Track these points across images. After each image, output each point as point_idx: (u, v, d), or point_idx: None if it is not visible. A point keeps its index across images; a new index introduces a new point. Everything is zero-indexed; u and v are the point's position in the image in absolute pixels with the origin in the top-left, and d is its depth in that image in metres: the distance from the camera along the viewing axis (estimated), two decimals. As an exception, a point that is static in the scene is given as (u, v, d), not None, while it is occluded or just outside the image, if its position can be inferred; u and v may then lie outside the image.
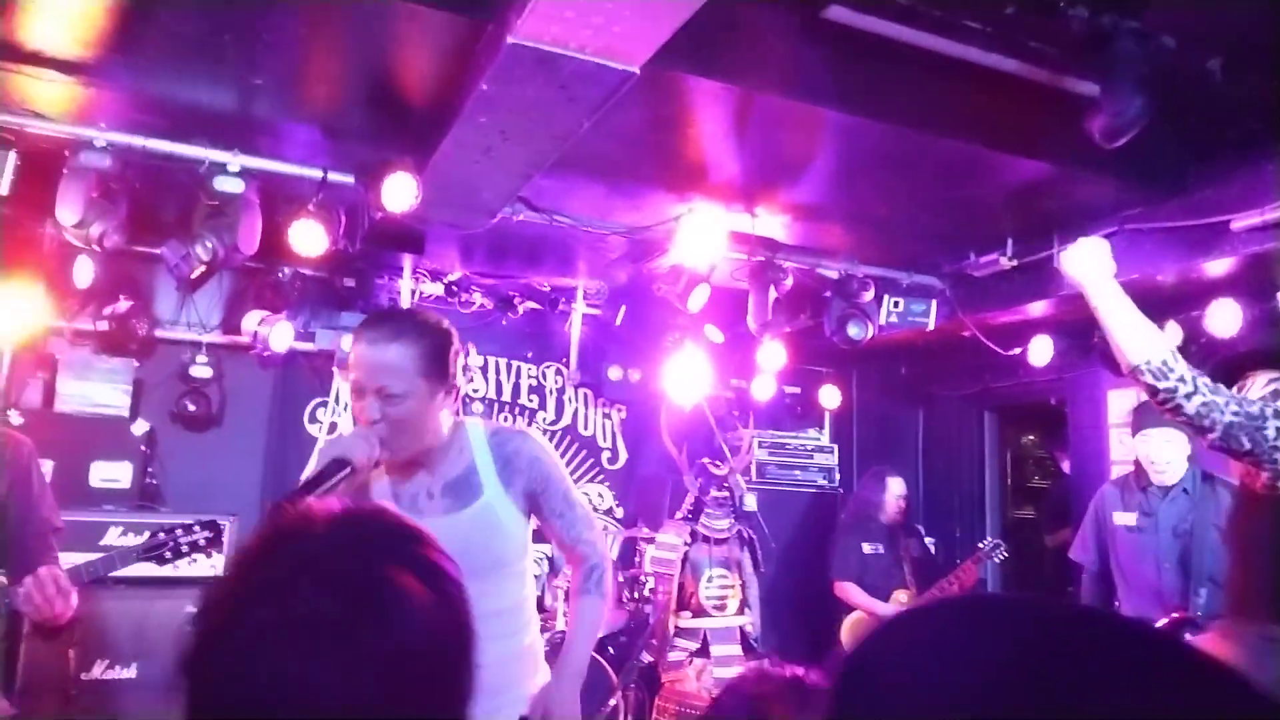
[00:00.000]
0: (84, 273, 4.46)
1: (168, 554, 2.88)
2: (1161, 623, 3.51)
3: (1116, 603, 3.92)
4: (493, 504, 2.18)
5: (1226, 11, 2.80)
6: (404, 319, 2.17)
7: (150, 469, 5.08)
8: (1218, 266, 3.88)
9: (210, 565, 4.27)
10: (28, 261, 4.43)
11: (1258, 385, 1.97)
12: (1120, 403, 5.17)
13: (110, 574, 2.79)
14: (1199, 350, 4.38)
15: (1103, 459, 5.24)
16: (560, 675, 2.13)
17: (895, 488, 5.17)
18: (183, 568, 3.19)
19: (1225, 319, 4.15)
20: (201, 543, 2.94)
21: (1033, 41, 3.01)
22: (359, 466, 1.91)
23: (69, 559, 4.04)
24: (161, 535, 2.90)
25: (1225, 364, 2.09)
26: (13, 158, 3.32)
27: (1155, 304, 4.42)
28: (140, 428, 5.07)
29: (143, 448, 5.04)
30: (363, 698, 0.75)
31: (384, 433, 2.02)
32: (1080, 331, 5.10)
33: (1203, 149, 3.73)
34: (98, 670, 4.15)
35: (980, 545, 5.07)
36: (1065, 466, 5.89)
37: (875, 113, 3.19)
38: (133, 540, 4.39)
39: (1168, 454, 3.76)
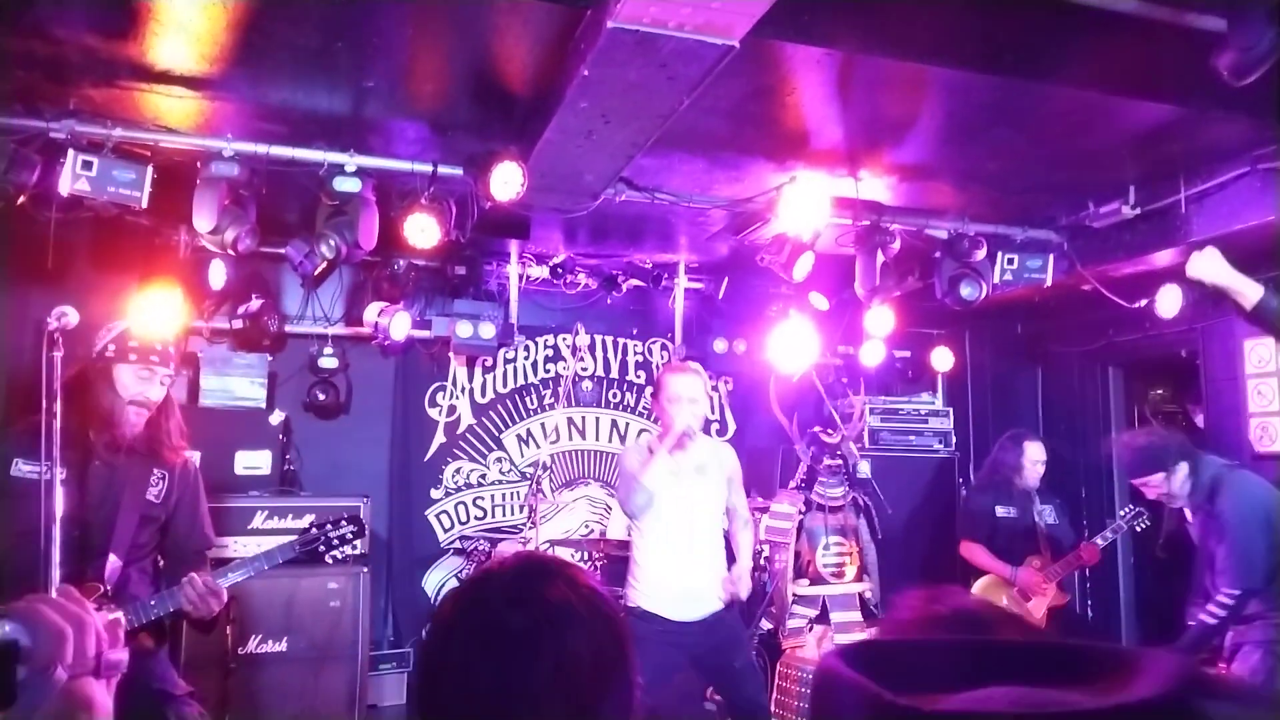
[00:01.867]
0: (218, 275, 4.75)
1: (320, 547, 3.10)
2: None
3: None
4: (716, 480, 3.87)
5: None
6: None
7: (288, 455, 5.39)
8: (1364, 203, 3.63)
9: (350, 547, 4.54)
10: (166, 267, 4.74)
11: None
12: (1257, 353, 4.89)
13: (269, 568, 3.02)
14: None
15: (1240, 412, 4.97)
16: (739, 563, 3.91)
17: (1033, 452, 5.02)
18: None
19: (1375, 258, 3.87)
20: (349, 536, 3.15)
21: (1151, -21, 2.86)
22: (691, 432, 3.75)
23: (224, 541, 4.36)
24: (313, 531, 3.12)
25: None
26: (150, 172, 3.55)
27: (1295, 247, 4.19)
28: (277, 418, 5.38)
29: (280, 436, 5.36)
30: (539, 688, 0.99)
31: (691, 429, 3.74)
32: (1212, 279, 4.84)
33: (1344, 78, 3.48)
34: (252, 645, 4.46)
35: (1122, 513, 4.90)
36: (1199, 420, 5.62)
37: (983, 66, 3.09)
38: (278, 524, 4.69)
39: (1158, 493, 3.85)
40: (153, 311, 3.32)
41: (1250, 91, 2.91)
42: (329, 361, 5.44)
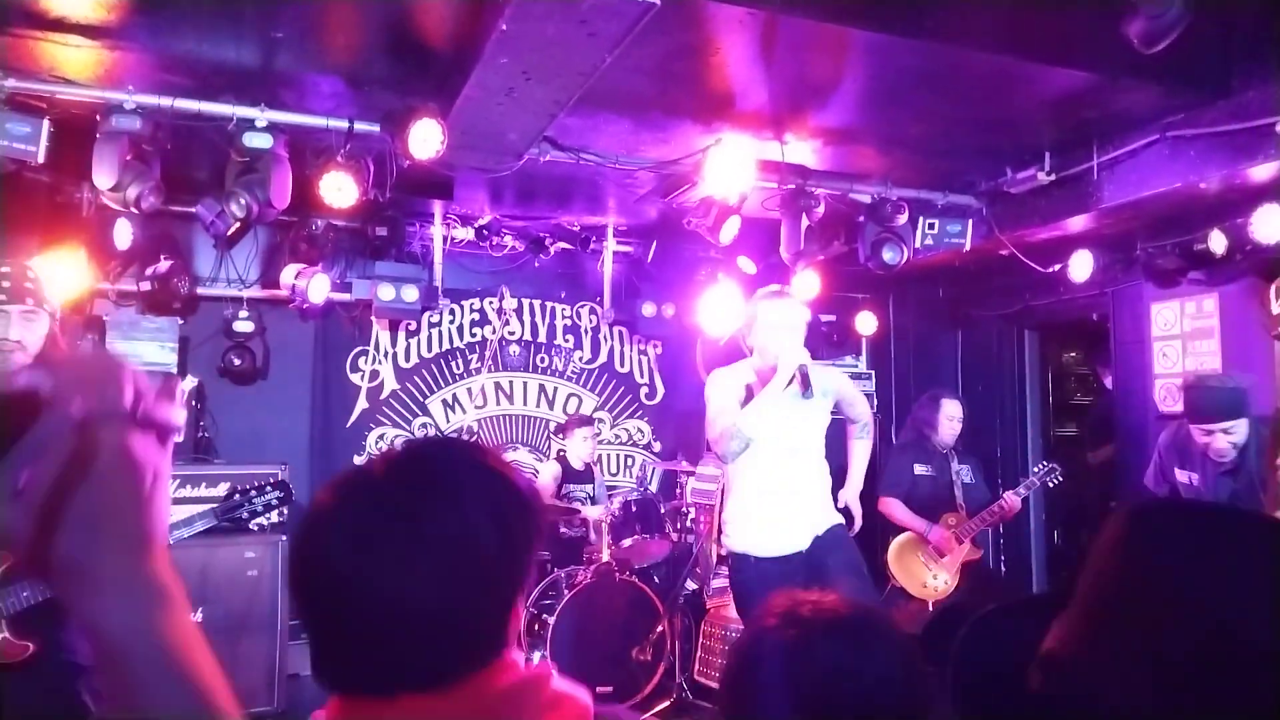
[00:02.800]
0: (124, 235, 4.54)
1: (244, 514, 3.00)
2: None
3: None
4: (822, 408, 3.59)
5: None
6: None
7: (202, 423, 5.23)
8: (1264, 171, 3.76)
9: (276, 514, 4.44)
10: (69, 226, 4.52)
11: None
12: (1163, 316, 5.08)
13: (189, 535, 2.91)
14: (1244, 258, 4.28)
15: (1146, 373, 5.18)
16: (850, 483, 3.80)
17: (950, 409, 5.13)
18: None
19: (1271, 224, 4.03)
20: (274, 502, 3.06)
21: (1066, -55, 2.90)
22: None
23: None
24: (236, 497, 3.02)
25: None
26: (46, 125, 3.37)
27: (1200, 212, 4.36)
28: (189, 383, 5.20)
29: (193, 402, 5.18)
30: (416, 577, 0.89)
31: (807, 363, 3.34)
32: (1121, 245, 5.01)
33: (1246, 50, 3.60)
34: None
35: (1035, 469, 5.06)
36: (1108, 382, 5.83)
37: (905, 30, 3.11)
38: (192, 492, 4.55)
39: (1230, 442, 3.58)
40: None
41: (1159, 59, 2.99)
42: (244, 325, 5.27)
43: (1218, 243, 4.31)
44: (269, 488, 3.09)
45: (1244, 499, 3.59)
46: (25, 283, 2.49)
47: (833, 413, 3.69)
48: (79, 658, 2.90)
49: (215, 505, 2.99)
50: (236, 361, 5.31)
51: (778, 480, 3.43)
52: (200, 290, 5.25)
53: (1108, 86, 3.62)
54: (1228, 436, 3.56)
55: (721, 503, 4.99)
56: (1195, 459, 3.78)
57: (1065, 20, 3.24)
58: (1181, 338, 4.97)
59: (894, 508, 4.97)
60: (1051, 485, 4.99)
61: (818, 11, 3.01)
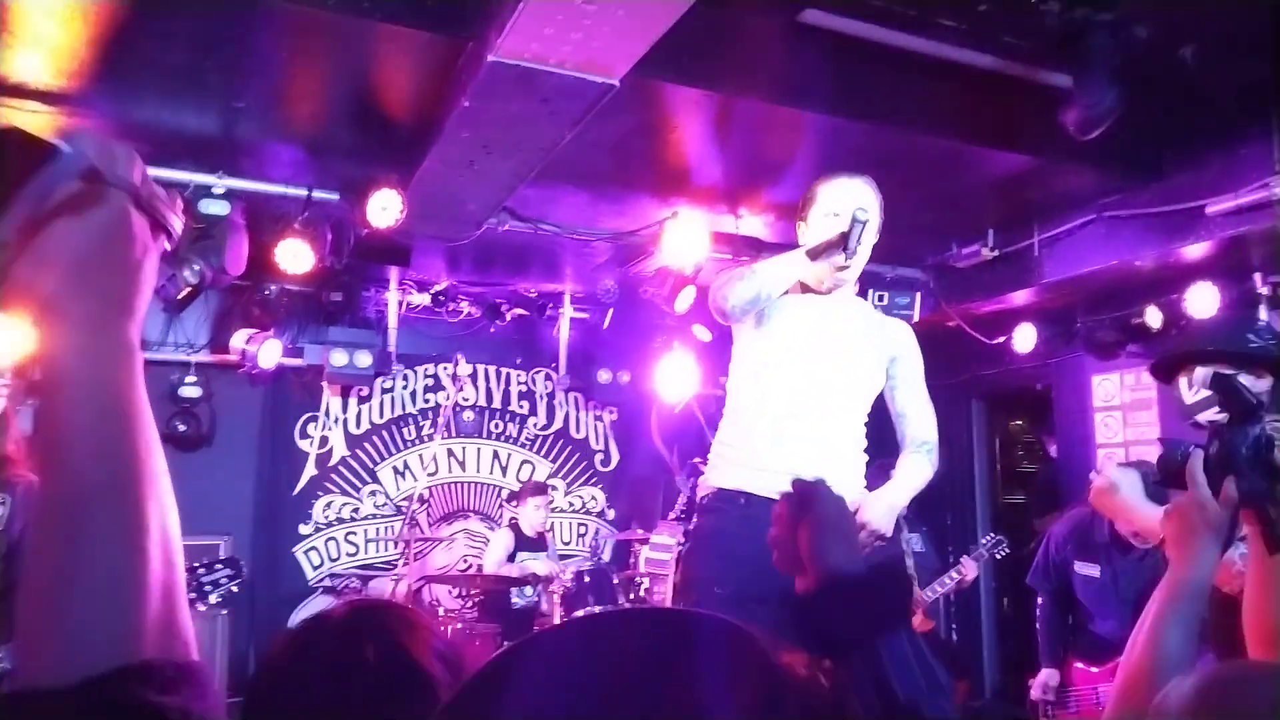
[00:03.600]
0: (70, 298, 4.45)
1: (191, 595, 2.90)
2: None
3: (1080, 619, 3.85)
4: (871, 358, 2.73)
5: (1198, 1, 2.85)
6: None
7: (143, 491, 5.07)
8: (1195, 250, 3.94)
9: (225, 591, 4.29)
10: (12, 288, 4.42)
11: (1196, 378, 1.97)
12: (1104, 387, 5.23)
13: None
14: (1180, 333, 4.45)
15: (1089, 443, 5.31)
16: (880, 494, 2.58)
17: None
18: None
19: (1204, 301, 4.21)
20: (223, 580, 2.96)
21: (1007, 37, 3.05)
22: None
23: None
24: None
25: (1163, 361, 2.08)
26: (-4, 188, 3.31)
27: (1136, 288, 4.54)
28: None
29: (135, 470, 5.04)
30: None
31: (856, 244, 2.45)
32: (1063, 318, 5.17)
33: (1177, 136, 3.80)
34: None
35: (982, 541, 5.12)
36: (1052, 450, 5.96)
37: (855, 113, 3.23)
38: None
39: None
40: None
41: (1096, 145, 3.15)
42: (191, 390, 5.17)
43: (1154, 318, 4.49)
44: (219, 565, 2.99)
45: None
46: None
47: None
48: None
49: None
50: (181, 427, 5.19)
51: (799, 405, 2.51)
52: (147, 355, 5.12)
53: (1048, 169, 3.79)
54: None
55: (676, 570, 4.96)
56: (1099, 549, 3.58)
57: (1008, 107, 3.39)
58: (1122, 409, 5.12)
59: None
60: (998, 557, 5.04)
61: (770, 94, 3.12)
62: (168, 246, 0.73)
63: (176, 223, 0.73)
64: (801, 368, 2.55)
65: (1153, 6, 2.85)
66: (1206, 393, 1.96)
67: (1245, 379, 1.85)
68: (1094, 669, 3.71)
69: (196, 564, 2.95)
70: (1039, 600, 3.99)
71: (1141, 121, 3.66)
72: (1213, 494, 1.22)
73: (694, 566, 2.58)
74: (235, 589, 3.11)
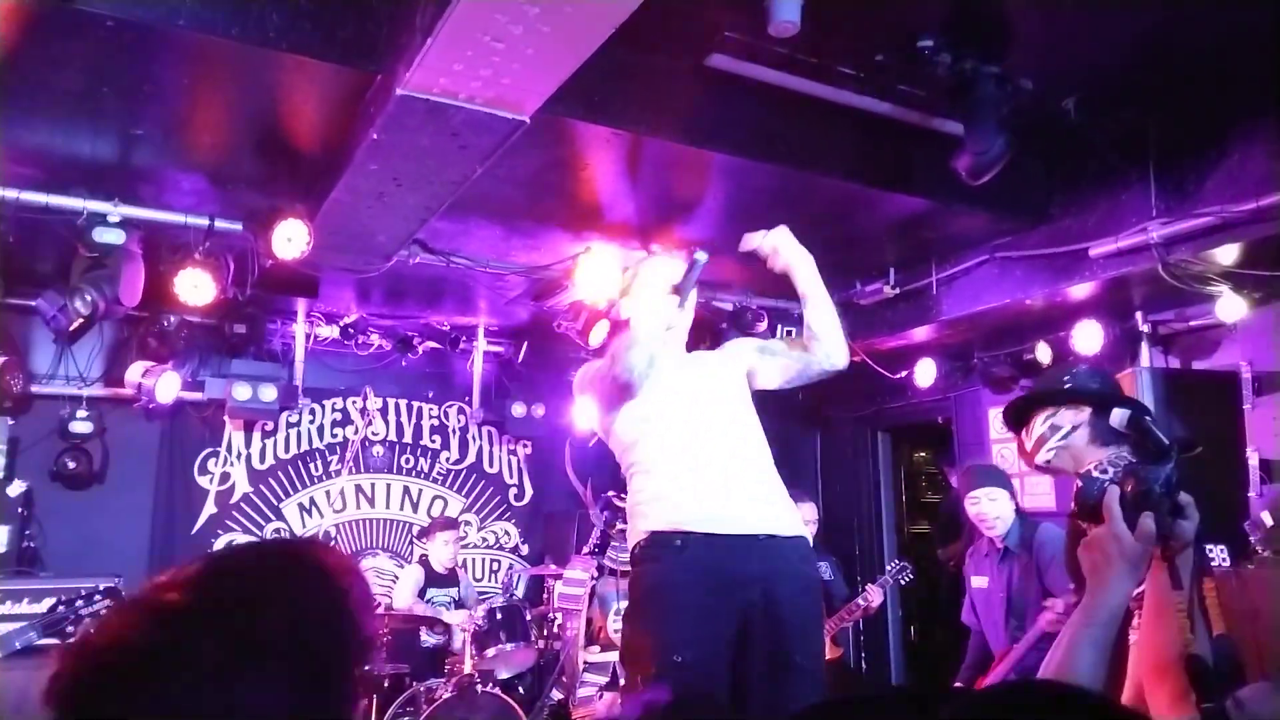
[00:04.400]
0: (-50, 328, 4.23)
1: (69, 628, 2.78)
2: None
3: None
4: (734, 372, 2.92)
5: (1079, 55, 3.04)
6: None
7: (28, 531, 4.82)
8: (1080, 290, 4.16)
9: (97, 631, 4.08)
10: (-114, 318, 4.18)
11: (1038, 423, 2.14)
12: (1000, 420, 5.43)
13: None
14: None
15: (988, 473, 5.50)
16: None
17: (804, 513, 5.28)
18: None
19: (1089, 338, 4.44)
20: (104, 612, 2.84)
21: (902, 85, 3.20)
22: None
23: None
24: (61, 608, 2.80)
25: (1013, 408, 2.23)
26: None
27: (1028, 325, 4.75)
28: (16, 488, 4.80)
29: (20, 509, 4.78)
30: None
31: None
32: (961, 354, 5.38)
33: (1063, 182, 4.02)
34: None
35: (888, 568, 5.24)
36: (954, 481, 6.16)
37: (760, 154, 3.33)
38: (12, 609, 4.16)
39: (989, 511, 3.95)
40: None
41: (987, 189, 3.31)
42: (82, 426, 4.94)
43: (1044, 354, 4.71)
44: (97, 596, 2.87)
45: (1022, 590, 3.84)
46: None
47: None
48: None
49: (35, 620, 2.76)
50: (71, 465, 4.95)
51: (705, 456, 2.55)
52: (35, 388, 4.91)
53: (943, 211, 3.96)
54: (991, 504, 3.91)
55: (590, 605, 4.93)
56: (981, 560, 4.07)
57: (905, 152, 3.55)
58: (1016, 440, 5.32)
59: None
60: (904, 583, 5.17)
61: (679, 134, 3.19)
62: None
63: None
64: (690, 411, 2.64)
65: (1037, 59, 3.03)
66: (1043, 433, 2.12)
67: (1066, 411, 2.02)
68: (987, 675, 3.90)
69: (75, 598, 2.83)
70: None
71: (1029, 167, 3.88)
72: (1128, 528, 1.28)
73: (644, 628, 2.41)
74: None
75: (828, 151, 3.43)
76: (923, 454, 7.28)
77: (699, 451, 2.55)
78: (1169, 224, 3.59)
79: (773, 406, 7.26)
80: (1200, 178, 3.53)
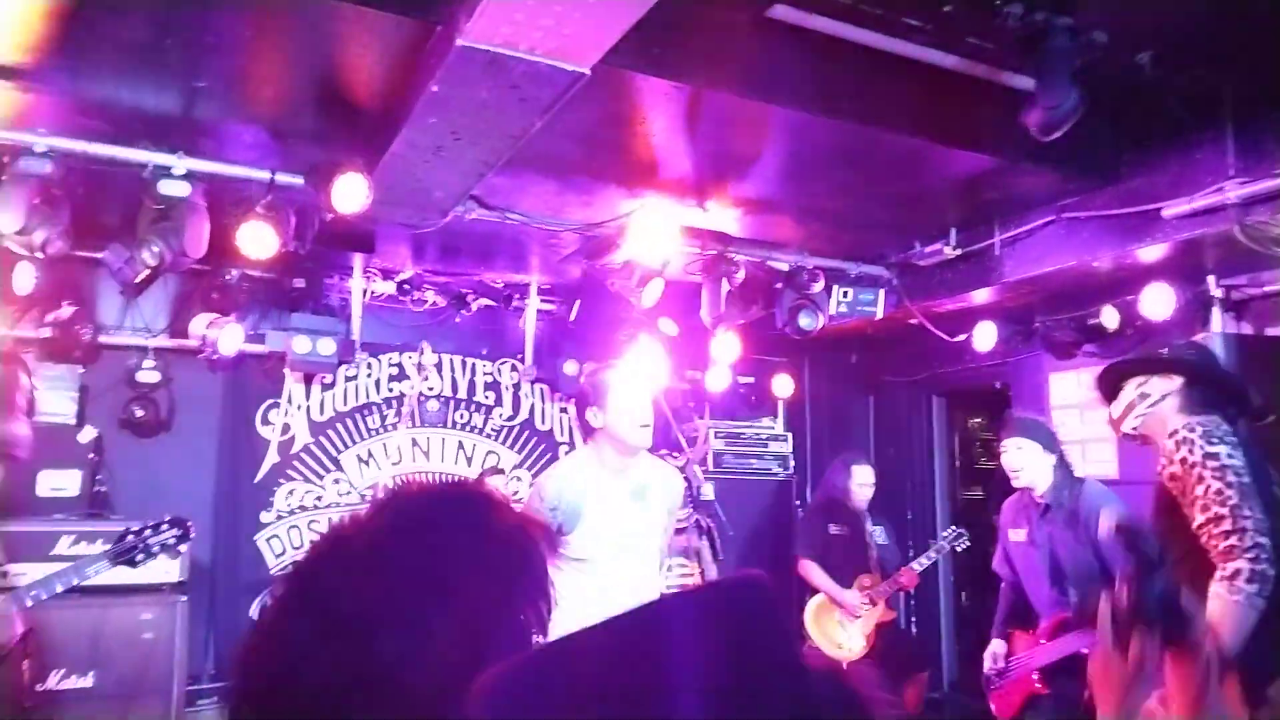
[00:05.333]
0: (24, 279, 4.35)
1: (139, 556, 2.88)
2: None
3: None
4: (657, 512, 3.22)
5: (1155, 7, 2.91)
6: None
7: (99, 476, 4.99)
8: (1150, 252, 4.02)
9: (165, 571, 4.24)
10: (-36, 268, 4.32)
11: (1129, 389, 2.09)
12: (1061, 386, 5.33)
13: (81, 584, 2.78)
14: (1135, 333, 4.55)
15: (1046, 440, 5.39)
16: None
17: (860, 475, 5.27)
18: (138, 574, 3.17)
19: (1158, 303, 4.30)
20: (171, 541, 2.95)
21: (971, 38, 3.09)
22: None
23: (21, 570, 3.97)
24: (131, 538, 2.90)
25: (1107, 375, 2.17)
26: (-52, 163, 3.24)
27: (1093, 288, 4.62)
28: (87, 435, 4.98)
29: (91, 455, 4.96)
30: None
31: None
32: (1022, 317, 5.26)
33: (1135, 139, 3.87)
34: (53, 681, 4.08)
35: (944, 534, 5.20)
36: (1009, 446, 6.05)
37: (822, 109, 3.26)
38: (85, 549, 4.33)
39: (1015, 460, 3.90)
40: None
41: (1055, 146, 3.20)
42: (149, 375, 5.09)
43: (1110, 318, 4.58)
44: (165, 526, 2.97)
45: (1072, 556, 3.77)
46: None
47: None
48: None
49: (106, 548, 2.86)
50: (139, 413, 5.11)
51: (601, 595, 2.79)
52: (103, 338, 5.05)
53: (1008, 170, 3.84)
54: (1017, 453, 3.89)
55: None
56: (1020, 512, 4.03)
57: (971, 107, 3.44)
58: (1078, 407, 5.21)
59: (810, 570, 5.04)
60: (959, 550, 5.13)
61: (739, 88, 3.13)
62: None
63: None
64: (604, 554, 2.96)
65: (1111, 12, 2.90)
66: (1132, 399, 2.07)
67: (1158, 380, 1.97)
68: (1028, 634, 3.87)
69: (144, 526, 2.93)
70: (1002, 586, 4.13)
71: (1100, 124, 3.73)
72: (1127, 637, 1.24)
73: None
74: (183, 549, 3.10)
75: (891, 106, 3.34)
76: (978, 419, 7.17)
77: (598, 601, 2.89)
78: (1246, 184, 3.46)
79: (824, 371, 7.26)
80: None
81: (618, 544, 2.99)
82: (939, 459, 6.59)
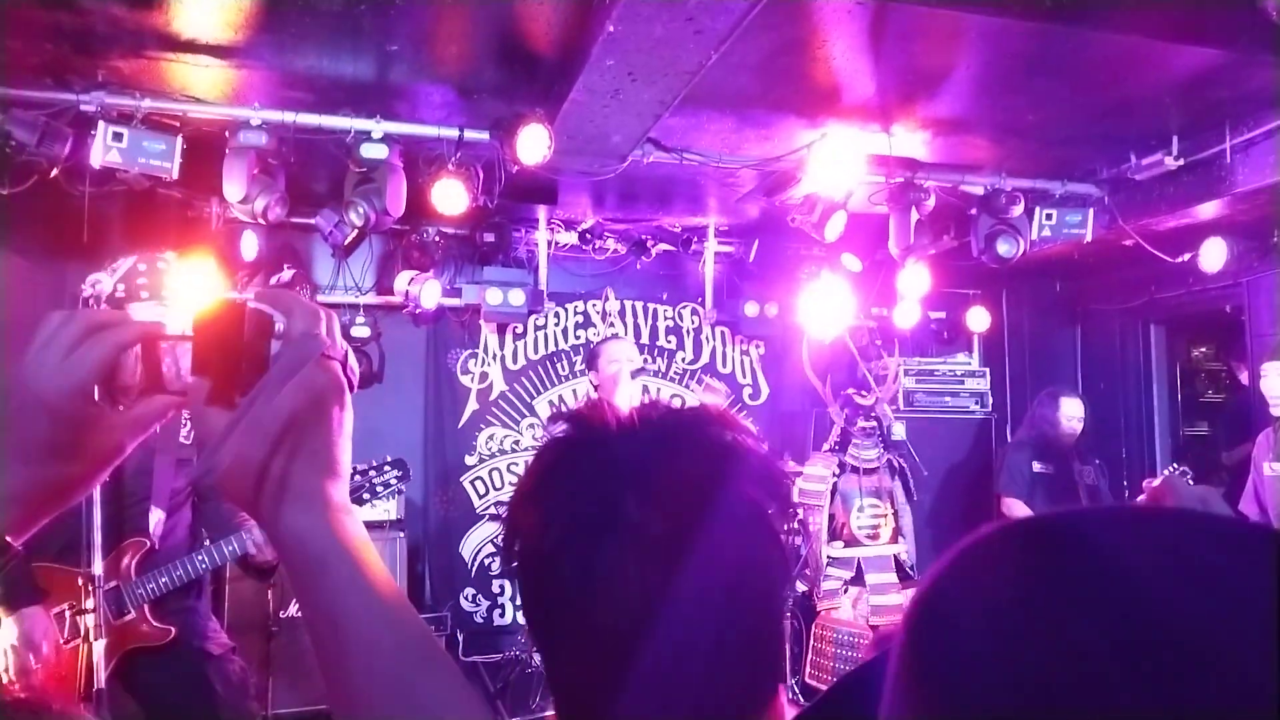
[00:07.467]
0: (250, 246, 4.77)
1: (365, 495, 3.13)
2: None
3: None
4: None
5: None
6: None
7: (322, 425, 5.44)
8: None
9: (385, 510, 4.59)
10: (199, 238, 4.77)
11: None
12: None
13: None
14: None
15: (1288, 367, 4.85)
16: None
17: (1069, 408, 4.94)
18: (364, 513, 3.45)
19: None
20: (393, 481, 3.20)
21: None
22: None
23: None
24: (357, 477, 3.15)
25: None
26: (179, 142, 3.56)
27: (1347, 195, 4.06)
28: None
29: (314, 406, 5.41)
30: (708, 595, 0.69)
31: None
32: (1258, 232, 4.71)
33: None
34: (293, 609, 4.54)
35: (1166, 471, 4.82)
36: (1244, 378, 5.49)
37: (1022, 12, 2.99)
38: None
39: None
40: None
41: (1301, 32, 2.81)
42: (361, 330, 5.47)
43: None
44: (386, 467, 3.21)
45: None
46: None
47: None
48: (210, 645, 3.06)
49: None
50: (355, 365, 5.51)
51: None
52: (320, 298, 5.48)
53: (1241, 64, 3.41)
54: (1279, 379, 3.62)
55: (832, 502, 4.92)
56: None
57: (1195, -6, 3.06)
58: (1328, 329, 4.65)
59: (1015, 509, 4.81)
60: (1184, 486, 4.74)
61: (927, -3, 2.93)
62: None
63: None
64: None
65: None
66: None
67: None
68: None
69: (367, 467, 3.17)
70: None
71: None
72: None
73: None
74: (403, 489, 3.32)
75: (1101, 2, 3.02)
76: (1203, 349, 6.56)
77: None
78: None
79: (1024, 302, 6.84)
80: None
81: None
82: (1158, 392, 6.07)
